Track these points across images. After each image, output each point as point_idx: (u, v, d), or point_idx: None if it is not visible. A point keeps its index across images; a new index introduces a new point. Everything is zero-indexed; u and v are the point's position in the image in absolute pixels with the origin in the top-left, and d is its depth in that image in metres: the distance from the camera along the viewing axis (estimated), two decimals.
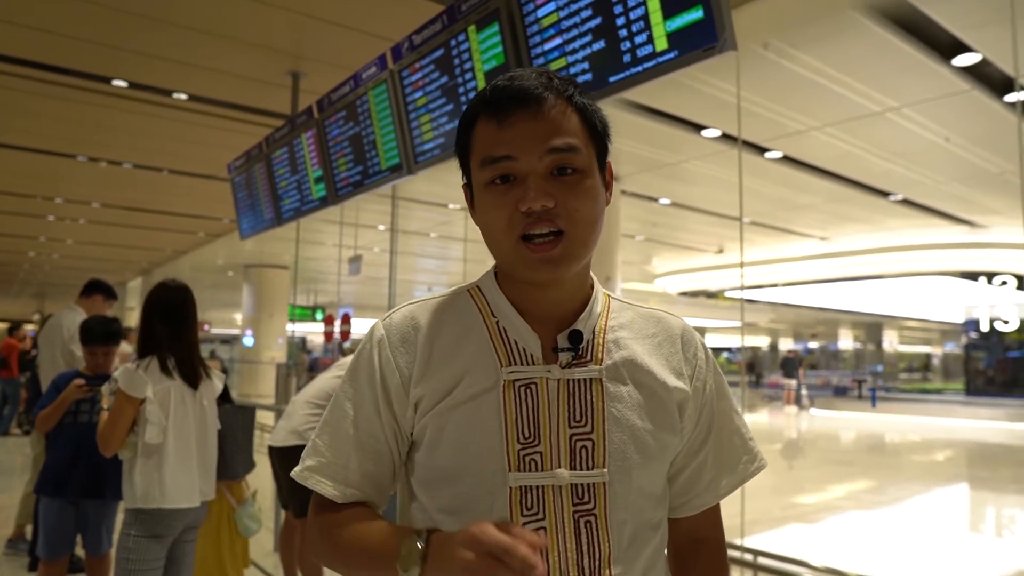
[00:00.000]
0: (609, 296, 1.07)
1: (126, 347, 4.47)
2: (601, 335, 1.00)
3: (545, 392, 0.95)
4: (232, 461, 2.88)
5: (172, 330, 2.70)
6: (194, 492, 2.66)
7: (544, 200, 0.90)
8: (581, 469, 0.93)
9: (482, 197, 0.96)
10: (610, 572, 0.92)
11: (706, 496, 1.07)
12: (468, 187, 1.01)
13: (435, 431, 0.96)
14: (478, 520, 0.89)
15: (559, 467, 0.92)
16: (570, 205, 0.91)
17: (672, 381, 1.01)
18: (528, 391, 0.94)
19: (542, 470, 0.92)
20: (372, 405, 1.00)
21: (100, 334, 3.28)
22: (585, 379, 0.96)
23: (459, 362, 0.97)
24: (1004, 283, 15.58)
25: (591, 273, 1.05)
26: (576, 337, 0.97)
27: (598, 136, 0.98)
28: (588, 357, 0.98)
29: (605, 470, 0.93)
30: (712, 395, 1.06)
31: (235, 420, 3.05)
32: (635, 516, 0.96)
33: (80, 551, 3.49)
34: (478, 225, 0.99)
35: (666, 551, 1.08)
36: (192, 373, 2.71)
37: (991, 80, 6.22)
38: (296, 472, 1.02)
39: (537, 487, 0.92)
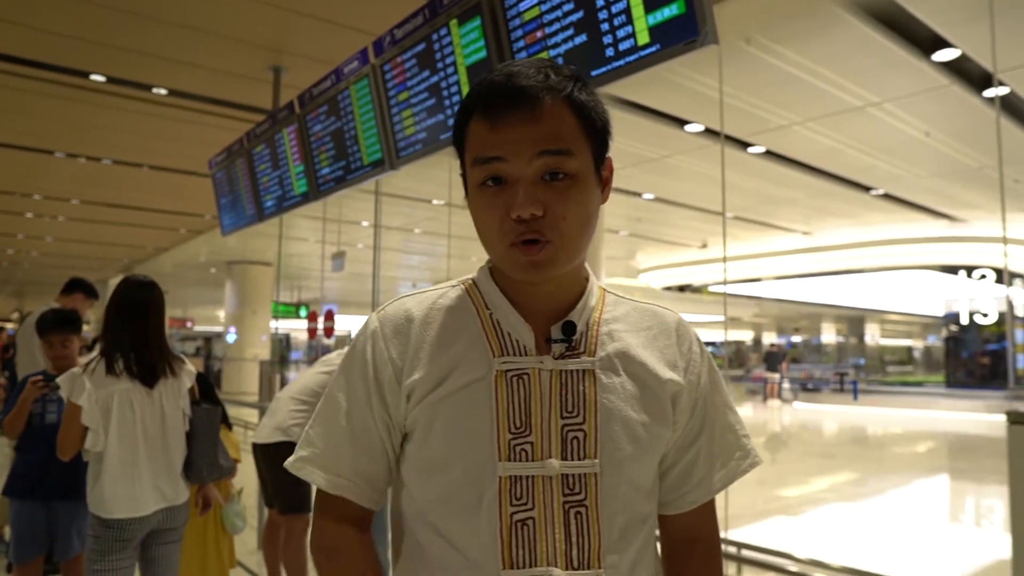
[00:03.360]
0: (605, 290, 1.08)
1: None
2: (595, 327, 1.00)
3: (537, 383, 0.95)
4: (197, 464, 2.77)
5: (131, 328, 2.58)
6: (139, 501, 2.50)
7: (533, 208, 0.90)
8: (572, 460, 0.93)
9: (475, 195, 0.96)
10: (599, 564, 0.92)
11: (697, 492, 1.06)
12: (464, 176, 1.01)
13: (426, 421, 0.96)
14: (468, 509, 0.91)
15: (550, 457, 0.93)
16: (558, 212, 0.91)
17: (666, 374, 1.01)
18: (520, 381, 0.95)
19: (532, 460, 0.92)
20: (365, 398, 1.00)
21: (54, 321, 3.17)
22: (578, 370, 0.96)
23: (451, 353, 0.97)
24: (983, 277, 15.79)
25: (587, 267, 1.05)
26: (569, 329, 0.98)
27: (596, 134, 0.96)
28: (581, 349, 0.98)
29: (597, 460, 0.93)
30: (706, 389, 1.05)
31: (203, 421, 2.91)
32: (626, 508, 0.96)
33: None
34: (472, 217, 0.99)
35: (659, 549, 1.08)
36: (149, 373, 2.58)
37: (970, 75, 6.27)
38: (289, 462, 1.03)
39: (527, 477, 0.92)
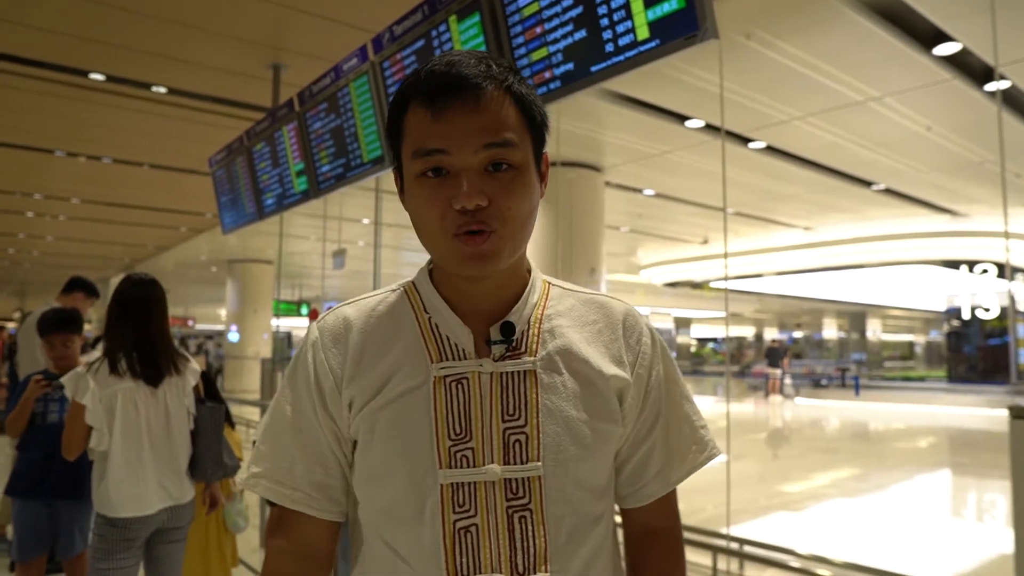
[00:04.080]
0: (549, 283, 1.05)
1: None
2: (536, 325, 0.98)
3: (477, 387, 0.93)
4: (202, 462, 2.77)
5: (133, 326, 2.58)
6: (144, 500, 2.51)
7: (478, 199, 0.87)
8: (515, 463, 0.91)
9: (413, 188, 0.93)
10: (546, 568, 0.90)
11: (654, 486, 1.04)
12: (398, 171, 0.98)
13: (367, 431, 0.94)
14: (410, 519, 0.90)
15: (491, 462, 0.91)
16: (503, 204, 0.89)
17: (610, 369, 0.98)
18: (459, 386, 0.93)
19: (474, 466, 0.91)
20: (311, 409, 0.98)
21: (55, 320, 3.16)
22: (518, 371, 0.94)
23: (389, 360, 0.95)
24: (985, 271, 15.76)
25: (528, 260, 1.03)
26: (508, 329, 0.96)
27: (536, 127, 0.95)
28: (522, 348, 0.96)
29: (539, 463, 0.91)
30: (659, 382, 1.03)
31: (207, 420, 2.91)
32: (574, 509, 0.94)
33: None
34: (408, 213, 0.96)
35: (621, 543, 1.07)
36: (153, 372, 2.58)
37: (971, 69, 6.25)
38: (242, 479, 1.00)
39: (469, 484, 0.90)
